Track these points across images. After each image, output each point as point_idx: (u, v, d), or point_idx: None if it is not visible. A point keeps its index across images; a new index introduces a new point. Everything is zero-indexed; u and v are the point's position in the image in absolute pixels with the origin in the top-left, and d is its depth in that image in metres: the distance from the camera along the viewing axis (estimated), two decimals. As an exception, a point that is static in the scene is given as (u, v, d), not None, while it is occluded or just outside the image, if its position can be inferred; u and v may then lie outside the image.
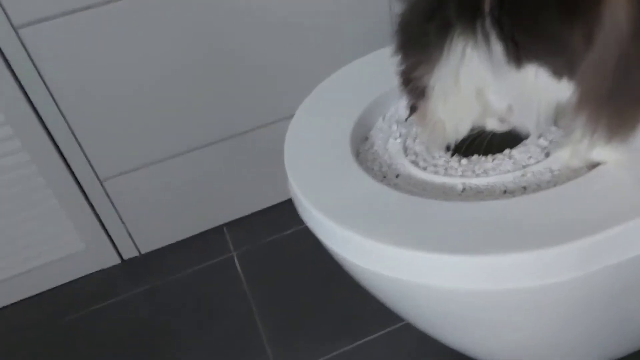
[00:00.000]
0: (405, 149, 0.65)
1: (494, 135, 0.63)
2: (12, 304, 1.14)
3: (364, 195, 0.56)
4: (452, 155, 0.63)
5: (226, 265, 1.14)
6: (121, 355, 1.02)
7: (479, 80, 0.52)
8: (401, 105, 0.71)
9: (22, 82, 0.92)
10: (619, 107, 0.46)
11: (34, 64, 0.91)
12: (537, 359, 0.63)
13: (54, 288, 1.16)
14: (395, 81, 0.69)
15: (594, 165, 0.55)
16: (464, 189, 0.58)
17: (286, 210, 1.22)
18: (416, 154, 0.64)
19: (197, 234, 1.22)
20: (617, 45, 0.43)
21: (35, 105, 0.95)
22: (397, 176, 0.62)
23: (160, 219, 1.17)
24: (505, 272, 0.48)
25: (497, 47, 0.48)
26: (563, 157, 0.57)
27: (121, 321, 1.07)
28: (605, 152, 0.52)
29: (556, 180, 0.56)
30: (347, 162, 0.60)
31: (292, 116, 1.10)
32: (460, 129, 0.58)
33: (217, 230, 1.22)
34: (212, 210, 1.20)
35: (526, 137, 0.62)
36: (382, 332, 0.95)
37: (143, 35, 0.94)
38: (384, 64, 0.73)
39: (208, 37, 0.98)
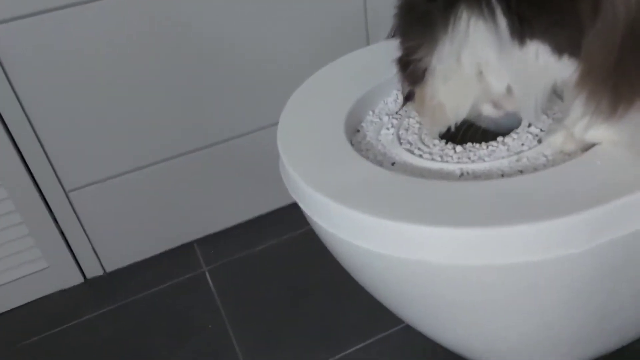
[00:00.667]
0: (399, 139, 0.65)
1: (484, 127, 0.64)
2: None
3: (364, 177, 0.55)
4: (446, 143, 0.63)
5: (198, 282, 1.11)
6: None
7: (481, 59, 0.52)
8: (390, 99, 0.71)
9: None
10: (623, 80, 0.47)
11: (2, 68, 0.88)
12: (536, 352, 0.62)
13: (12, 309, 1.09)
14: (382, 77, 0.70)
15: (587, 149, 0.56)
16: (462, 174, 0.58)
17: (257, 227, 1.21)
18: (410, 143, 0.64)
19: (166, 251, 1.18)
20: (625, 15, 0.44)
21: (0, 110, 0.91)
22: (393, 164, 0.62)
23: (128, 235, 1.12)
24: (510, 246, 0.48)
25: (502, 22, 0.48)
26: (556, 142, 0.58)
27: (85, 344, 1.01)
28: (601, 133, 0.53)
29: (552, 164, 0.57)
30: (343, 147, 0.60)
31: (265, 127, 1.10)
32: (460, 112, 0.58)
33: (187, 246, 1.18)
34: (181, 226, 1.17)
35: (517, 126, 0.63)
36: (360, 345, 0.93)
37: (112, 43, 0.92)
38: (371, 60, 0.74)
39: (178, 46, 0.97)
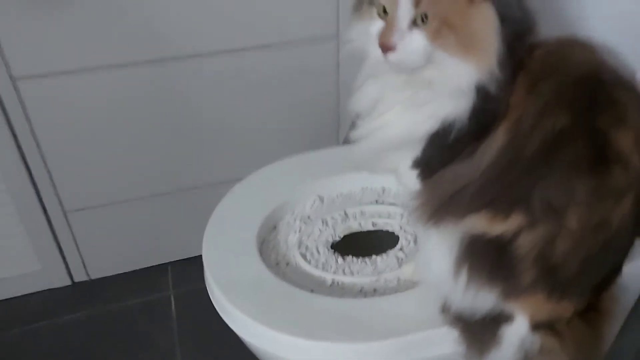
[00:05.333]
0: (300, 243, 0.83)
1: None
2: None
3: (253, 279, 0.72)
4: (334, 253, 0.80)
5: (162, 302, 1.30)
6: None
7: None
8: (308, 202, 0.89)
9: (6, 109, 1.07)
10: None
11: (26, 115, 1.08)
12: None
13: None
14: (313, 181, 0.87)
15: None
16: (332, 283, 0.76)
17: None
18: (307, 248, 0.82)
19: (144, 268, 1.37)
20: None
21: (15, 132, 1.10)
22: (287, 264, 0.80)
23: (113, 249, 1.33)
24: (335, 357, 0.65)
25: None
26: (407, 272, 0.76)
27: (55, 343, 1.21)
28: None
29: (399, 288, 0.75)
30: (250, 250, 0.77)
31: (237, 180, 1.30)
32: None
33: (162, 267, 1.38)
34: (160, 247, 1.37)
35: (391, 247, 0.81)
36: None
37: (117, 101, 1.12)
38: (314, 163, 0.91)
39: (171, 111, 1.17)
